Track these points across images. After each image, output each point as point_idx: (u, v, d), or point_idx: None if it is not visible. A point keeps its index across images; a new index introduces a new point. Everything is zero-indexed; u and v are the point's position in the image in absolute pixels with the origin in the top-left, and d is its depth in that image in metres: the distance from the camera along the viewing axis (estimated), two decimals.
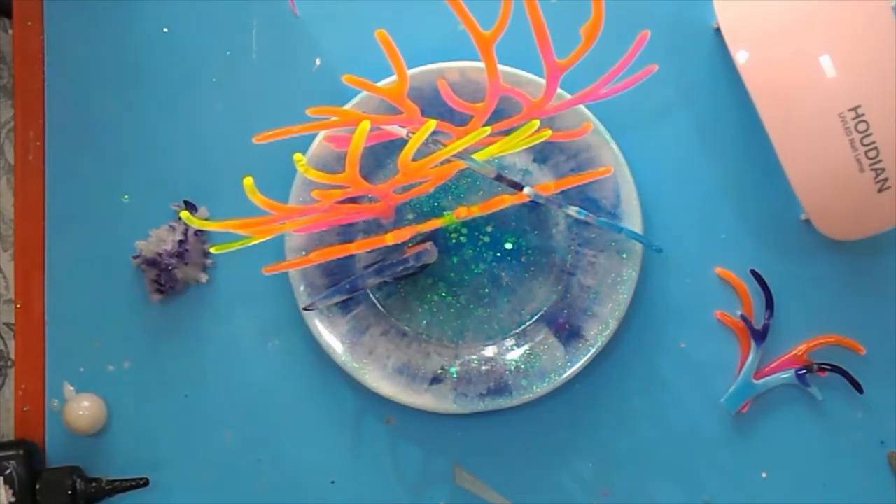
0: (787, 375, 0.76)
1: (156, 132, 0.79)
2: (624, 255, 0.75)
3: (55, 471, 0.77)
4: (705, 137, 0.76)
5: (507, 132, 0.68)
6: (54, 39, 0.79)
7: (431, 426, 0.78)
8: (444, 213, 0.73)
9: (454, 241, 0.76)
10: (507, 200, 0.73)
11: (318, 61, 0.78)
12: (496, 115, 0.69)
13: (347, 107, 0.74)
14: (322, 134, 0.73)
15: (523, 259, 0.76)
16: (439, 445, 0.79)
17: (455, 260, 0.76)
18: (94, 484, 0.77)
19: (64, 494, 0.75)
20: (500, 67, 0.65)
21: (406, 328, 0.77)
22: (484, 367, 0.76)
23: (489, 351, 0.77)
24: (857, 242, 0.75)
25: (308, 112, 0.67)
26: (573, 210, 0.71)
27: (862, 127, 0.66)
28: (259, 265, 0.72)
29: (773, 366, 0.77)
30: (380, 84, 0.68)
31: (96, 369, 0.79)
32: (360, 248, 0.72)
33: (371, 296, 0.77)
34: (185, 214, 0.66)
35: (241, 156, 0.76)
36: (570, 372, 0.75)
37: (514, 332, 0.77)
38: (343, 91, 0.70)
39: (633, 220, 0.74)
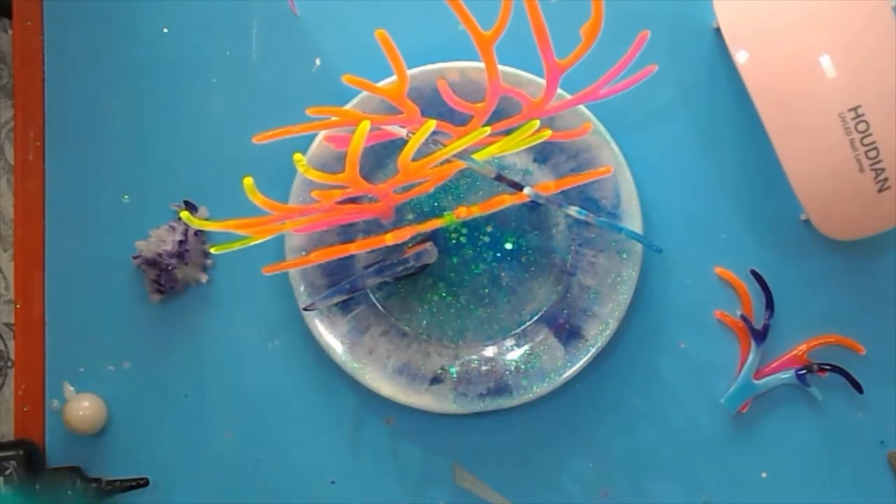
0: (787, 375, 0.76)
1: (156, 132, 0.79)
2: (624, 255, 0.75)
3: (55, 471, 0.77)
4: (705, 137, 0.76)
5: (507, 132, 0.68)
6: (54, 39, 0.79)
7: (431, 426, 0.78)
8: (444, 213, 0.73)
9: (454, 241, 0.76)
10: (507, 200, 0.73)
11: (318, 61, 0.78)
12: (496, 116, 0.69)
13: (347, 107, 0.74)
14: (322, 134, 0.73)
15: (523, 259, 0.76)
16: (439, 445, 0.79)
17: (455, 260, 0.76)
18: (94, 484, 0.77)
19: (64, 495, 0.75)
20: (501, 67, 0.65)
21: (406, 328, 0.77)
22: (484, 368, 0.76)
23: (489, 351, 0.77)
24: (857, 242, 0.75)
25: (308, 112, 0.67)
26: (573, 210, 0.71)
27: (862, 127, 0.66)
28: (259, 265, 0.72)
29: (773, 366, 0.77)
30: (380, 84, 0.68)
31: (96, 369, 0.79)
32: (360, 248, 0.72)
33: (371, 296, 0.77)
34: (185, 214, 0.66)
35: (241, 156, 0.77)
36: (570, 372, 0.75)
37: (514, 332, 0.77)
38: (343, 91, 0.70)
39: (633, 221, 0.74)
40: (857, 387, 0.76)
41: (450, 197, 0.76)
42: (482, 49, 0.63)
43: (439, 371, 0.76)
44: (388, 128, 0.68)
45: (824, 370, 0.76)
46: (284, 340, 0.79)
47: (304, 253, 0.74)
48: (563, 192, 0.74)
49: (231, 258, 0.73)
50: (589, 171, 0.74)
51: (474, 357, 0.77)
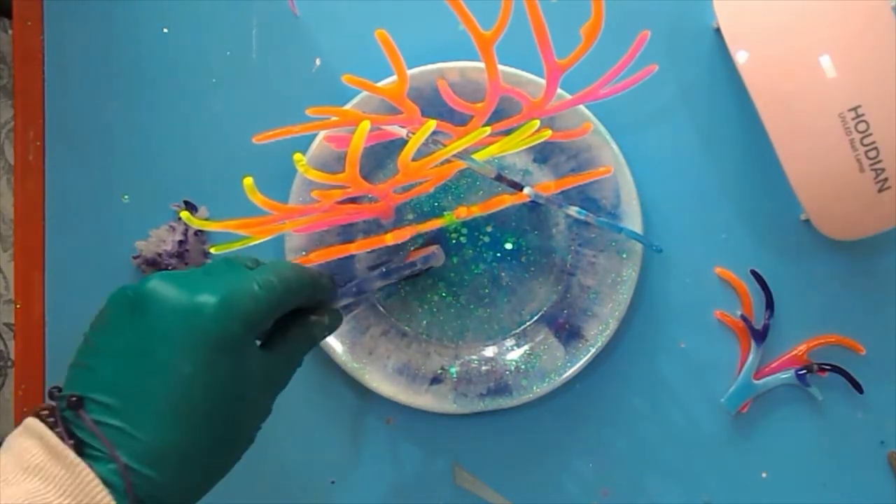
0: (787, 375, 0.76)
1: (156, 132, 0.79)
2: (624, 255, 0.75)
3: None
4: (705, 137, 0.76)
5: (508, 132, 0.68)
6: (54, 39, 0.79)
7: (431, 426, 0.78)
8: (444, 213, 0.73)
9: (454, 241, 0.76)
10: (507, 200, 0.73)
11: (318, 61, 0.78)
12: (496, 116, 0.69)
13: (347, 107, 0.74)
14: (322, 134, 0.73)
15: (523, 259, 0.76)
16: (439, 445, 0.79)
17: (455, 260, 0.76)
18: None
19: None
20: (501, 67, 0.65)
21: (406, 328, 0.77)
22: (484, 368, 0.76)
23: (489, 351, 0.77)
24: (857, 242, 0.75)
25: (308, 112, 0.67)
26: (573, 210, 0.71)
27: (862, 127, 0.66)
28: None
29: (773, 366, 0.77)
30: (380, 84, 0.68)
31: None
32: (360, 248, 0.72)
33: (371, 296, 0.77)
34: (185, 215, 0.66)
35: (241, 156, 0.77)
36: (570, 372, 0.75)
37: (514, 332, 0.77)
38: (343, 91, 0.70)
39: (633, 221, 0.74)
40: (857, 387, 0.76)
41: (450, 197, 0.76)
42: (482, 49, 0.63)
43: (439, 371, 0.76)
44: (388, 128, 0.68)
45: (824, 370, 0.76)
46: None
47: (304, 253, 0.74)
48: (563, 192, 0.74)
49: None
50: (589, 171, 0.74)
51: (474, 357, 0.77)
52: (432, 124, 0.63)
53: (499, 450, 0.78)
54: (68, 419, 0.51)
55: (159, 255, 0.77)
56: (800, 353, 0.76)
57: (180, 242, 0.77)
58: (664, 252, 0.76)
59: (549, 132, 0.67)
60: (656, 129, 0.77)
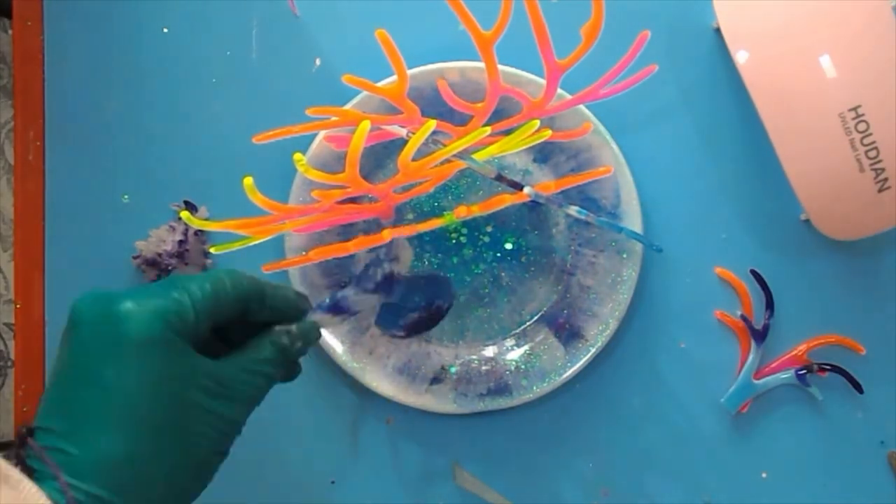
0: (787, 375, 0.76)
1: (156, 132, 0.79)
2: (624, 255, 0.75)
3: None
4: (705, 137, 0.76)
5: (508, 132, 0.68)
6: (54, 39, 0.79)
7: (431, 426, 0.78)
8: (444, 212, 0.73)
9: (454, 241, 0.76)
10: (508, 200, 0.73)
11: (318, 61, 0.78)
12: (496, 115, 0.69)
13: (347, 107, 0.74)
14: (322, 134, 0.73)
15: (523, 259, 0.76)
16: (439, 445, 0.79)
17: (455, 260, 0.76)
18: None
19: None
20: (501, 67, 0.65)
21: None
22: (484, 367, 0.76)
23: (489, 351, 0.77)
24: (857, 242, 0.75)
25: (308, 112, 0.67)
26: (574, 210, 0.71)
27: (862, 127, 0.66)
28: (259, 265, 0.72)
29: (773, 366, 0.77)
30: (380, 84, 0.68)
31: None
32: (358, 246, 0.72)
33: None
34: (185, 214, 0.66)
35: (241, 156, 0.77)
36: (570, 372, 0.75)
37: (514, 332, 0.77)
38: (343, 91, 0.70)
39: (633, 220, 0.74)
40: (857, 387, 0.76)
41: (450, 197, 0.76)
42: (482, 49, 0.63)
43: (439, 371, 0.76)
44: (389, 128, 0.68)
45: (824, 370, 0.76)
46: None
47: (303, 252, 0.74)
48: (563, 191, 0.74)
49: (231, 258, 0.73)
50: (589, 171, 0.74)
51: (474, 357, 0.77)
52: (432, 124, 0.63)
53: (499, 450, 0.78)
54: (22, 452, 0.51)
55: (159, 255, 0.77)
56: (800, 353, 0.76)
57: (180, 242, 0.77)
58: (664, 252, 0.76)
59: (549, 132, 0.67)
60: (656, 129, 0.77)
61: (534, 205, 0.75)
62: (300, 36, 0.78)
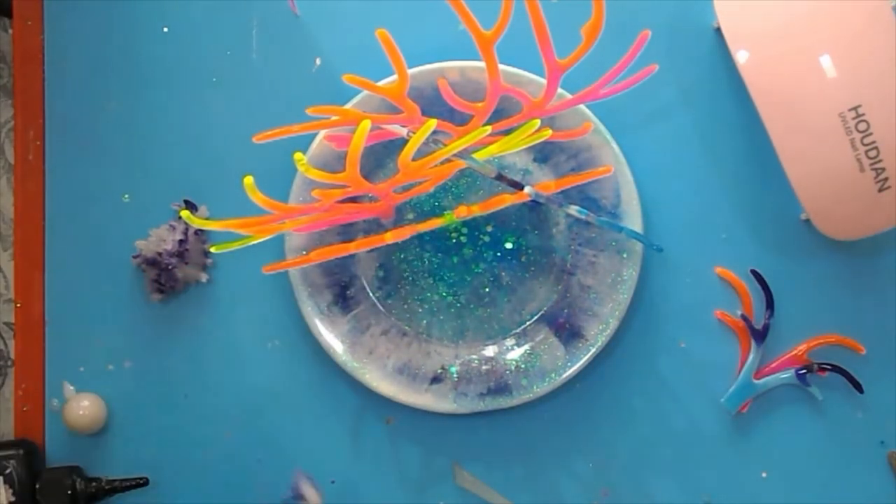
0: (787, 375, 0.76)
1: (156, 132, 0.79)
2: (624, 255, 0.75)
3: (55, 470, 0.77)
4: (705, 137, 0.76)
5: (508, 132, 0.68)
6: (54, 39, 0.79)
7: (431, 426, 0.78)
8: (445, 212, 0.73)
9: (454, 240, 0.76)
10: (508, 200, 0.73)
11: (318, 61, 0.78)
12: (496, 115, 0.69)
13: (348, 106, 0.74)
14: (322, 133, 0.73)
15: (523, 259, 0.76)
16: (439, 445, 0.79)
17: (455, 260, 0.76)
18: (93, 483, 0.77)
19: (64, 494, 0.75)
20: (501, 67, 0.65)
21: (406, 328, 0.77)
22: (484, 367, 0.76)
23: (489, 350, 0.77)
24: (857, 242, 0.75)
25: (308, 112, 0.67)
26: (574, 209, 0.71)
27: (862, 127, 0.66)
28: (259, 265, 0.72)
29: (773, 366, 0.77)
30: (380, 83, 0.68)
31: (96, 369, 0.79)
32: (359, 247, 0.72)
33: (371, 295, 0.77)
34: (185, 214, 0.66)
35: (241, 155, 0.77)
36: (570, 372, 0.75)
37: (514, 331, 0.77)
38: (343, 91, 0.70)
39: (633, 220, 0.74)
40: (858, 387, 0.76)
41: (450, 196, 0.76)
42: (483, 48, 0.63)
43: (439, 370, 0.76)
44: (389, 127, 0.68)
45: (824, 370, 0.76)
46: (284, 340, 0.79)
47: (304, 252, 0.74)
48: (563, 191, 0.74)
49: (231, 258, 0.73)
50: (589, 171, 0.74)
51: (474, 356, 0.77)
52: (433, 124, 0.63)
53: (499, 450, 0.78)
54: None
55: (159, 254, 0.76)
56: (800, 353, 0.76)
57: (181, 242, 0.77)
58: (664, 252, 0.76)
59: (550, 132, 0.67)
60: (656, 129, 0.77)
61: (534, 204, 0.75)
62: (300, 36, 0.78)
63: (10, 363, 0.80)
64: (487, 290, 0.77)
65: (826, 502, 0.77)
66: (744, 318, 0.76)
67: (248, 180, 0.63)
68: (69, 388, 0.79)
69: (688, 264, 0.77)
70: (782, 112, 0.67)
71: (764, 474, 0.77)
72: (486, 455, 0.78)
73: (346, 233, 0.76)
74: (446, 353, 0.77)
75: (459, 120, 0.70)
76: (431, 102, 0.71)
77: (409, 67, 0.64)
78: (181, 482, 0.79)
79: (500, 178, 0.69)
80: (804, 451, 0.77)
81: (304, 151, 0.74)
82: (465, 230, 0.76)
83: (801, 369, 0.76)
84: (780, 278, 0.76)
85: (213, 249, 0.68)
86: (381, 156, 0.75)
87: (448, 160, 0.67)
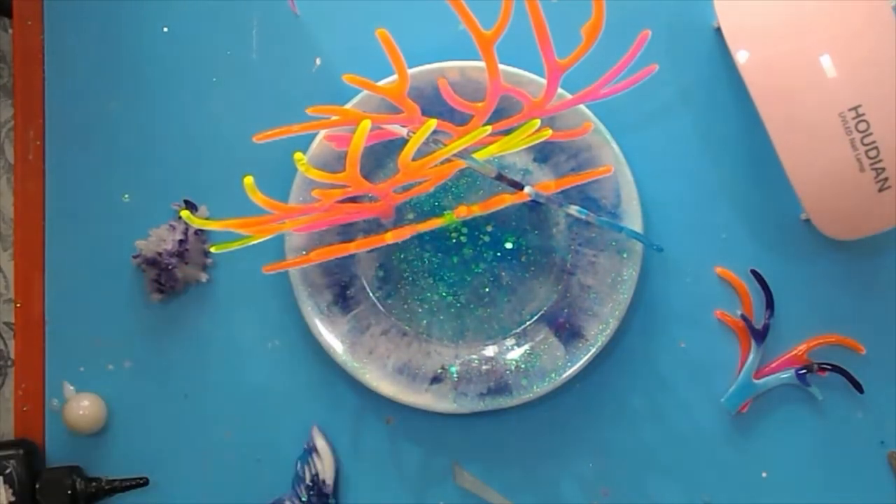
0: (787, 375, 0.76)
1: (156, 132, 0.79)
2: (624, 255, 0.75)
3: (55, 470, 0.77)
4: (705, 137, 0.76)
5: (508, 132, 0.68)
6: (54, 39, 0.80)
7: (431, 426, 0.78)
8: (445, 212, 0.73)
9: (454, 240, 0.76)
10: (508, 200, 0.73)
11: (318, 61, 0.79)
12: (497, 115, 0.69)
13: (348, 106, 0.74)
14: (322, 133, 0.73)
15: (523, 259, 0.76)
16: (439, 445, 0.79)
17: (455, 260, 0.76)
18: (93, 484, 0.77)
19: (64, 494, 0.75)
20: (501, 67, 0.65)
21: (406, 328, 0.77)
22: (484, 367, 0.76)
23: (489, 350, 0.77)
24: (857, 242, 0.75)
25: (308, 111, 0.67)
26: (574, 209, 0.71)
27: (862, 126, 0.66)
28: (259, 265, 0.72)
29: (773, 366, 0.77)
30: (380, 83, 0.68)
31: (96, 369, 0.79)
32: (359, 247, 0.72)
33: (371, 295, 0.77)
34: (185, 214, 0.66)
35: (241, 155, 0.77)
36: (570, 372, 0.75)
37: (514, 331, 0.77)
38: (343, 91, 0.70)
39: (633, 220, 0.74)
40: (858, 387, 0.76)
41: (450, 196, 0.76)
42: (483, 48, 0.63)
43: (439, 370, 0.76)
44: (389, 127, 0.68)
45: (824, 370, 0.76)
46: (284, 340, 0.79)
47: (304, 252, 0.74)
48: (563, 191, 0.74)
49: (231, 257, 0.73)
50: (589, 171, 0.74)
51: (474, 356, 0.77)
52: (433, 123, 0.63)
53: (499, 450, 0.78)
54: None
55: (159, 254, 0.76)
56: (800, 353, 0.76)
57: (181, 241, 0.77)
58: (664, 252, 0.76)
59: (550, 131, 0.67)
60: (656, 129, 0.77)
61: (534, 204, 0.75)
62: (300, 36, 0.78)
63: (10, 363, 0.80)
64: (487, 290, 0.77)
65: (826, 502, 0.77)
66: (744, 318, 0.76)
67: (248, 180, 0.63)
68: (69, 388, 0.79)
69: (688, 264, 0.77)
70: (782, 112, 0.67)
71: (764, 474, 0.77)
72: (486, 455, 0.78)
73: (346, 233, 0.76)
74: (446, 353, 0.77)
75: (459, 120, 0.70)
76: (431, 102, 0.71)
77: (409, 67, 0.64)
78: (181, 482, 0.79)
79: (500, 178, 0.69)
80: (804, 451, 0.77)
81: (304, 151, 0.74)
82: (465, 230, 0.76)
83: (801, 369, 0.76)
84: (780, 278, 0.76)
85: (213, 249, 0.68)
86: (381, 156, 0.75)
87: (448, 160, 0.67)
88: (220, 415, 0.79)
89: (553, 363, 0.75)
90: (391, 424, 0.79)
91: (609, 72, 0.66)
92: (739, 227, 0.77)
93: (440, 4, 0.61)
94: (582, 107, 0.73)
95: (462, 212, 0.72)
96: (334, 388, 0.79)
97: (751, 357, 0.76)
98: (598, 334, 0.75)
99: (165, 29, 0.79)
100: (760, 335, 0.76)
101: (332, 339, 0.76)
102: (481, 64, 0.64)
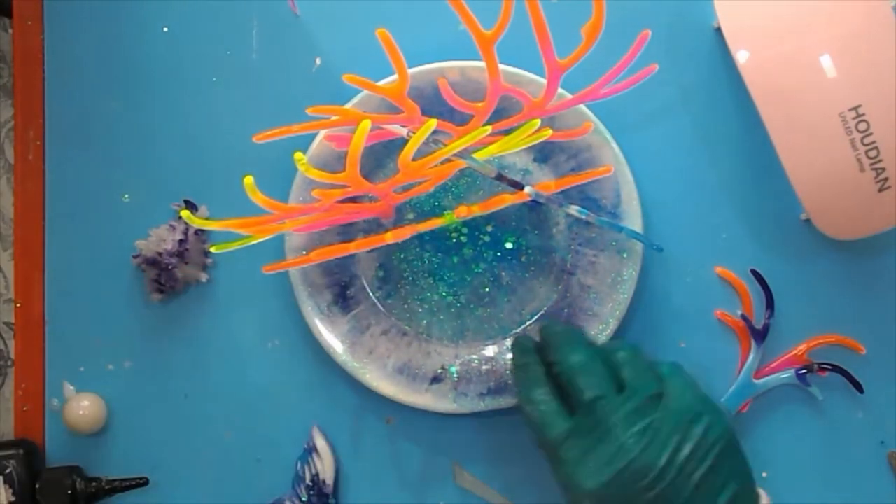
0: (787, 375, 0.76)
1: (156, 132, 0.79)
2: (624, 255, 0.75)
3: (55, 470, 0.77)
4: (705, 137, 0.76)
5: (508, 132, 0.68)
6: (54, 39, 0.79)
7: (431, 426, 0.78)
8: (445, 212, 0.73)
9: (454, 240, 0.76)
10: (508, 200, 0.73)
11: (318, 61, 0.78)
12: (497, 115, 0.69)
13: (348, 106, 0.74)
14: (322, 133, 0.73)
15: (523, 259, 0.76)
16: (439, 445, 0.79)
17: (455, 260, 0.76)
18: (93, 484, 0.77)
19: (64, 494, 0.75)
20: (501, 67, 0.65)
21: (406, 328, 0.77)
22: (484, 367, 0.76)
23: (490, 350, 0.77)
24: (857, 242, 0.75)
25: (308, 111, 0.67)
26: (574, 209, 0.72)
27: (862, 126, 0.66)
28: (259, 265, 0.72)
29: (773, 366, 0.77)
30: (380, 83, 0.68)
31: (96, 369, 0.79)
32: (359, 247, 0.72)
33: (371, 295, 0.77)
34: (185, 214, 0.66)
35: (241, 155, 0.77)
36: None
37: (514, 331, 0.77)
38: (343, 91, 0.70)
39: (633, 220, 0.74)
40: (858, 387, 0.76)
41: (450, 196, 0.76)
42: (483, 48, 0.63)
43: (439, 370, 0.76)
44: (389, 127, 0.68)
45: (824, 370, 0.76)
46: (284, 340, 0.79)
47: (304, 252, 0.74)
48: (563, 191, 0.74)
49: (231, 257, 0.73)
50: (589, 171, 0.74)
51: (475, 356, 0.77)
52: (433, 123, 0.63)
53: (499, 450, 0.78)
54: None
55: (159, 254, 0.76)
56: (800, 353, 0.76)
57: (181, 241, 0.77)
58: (664, 252, 0.76)
59: (550, 131, 0.67)
60: (656, 129, 0.77)
61: (534, 204, 0.75)
62: (300, 36, 0.78)
63: (10, 363, 0.80)
64: (487, 289, 0.77)
65: (826, 502, 0.77)
66: (744, 318, 0.76)
67: (248, 180, 0.63)
68: (69, 388, 0.79)
69: (688, 264, 0.77)
70: (782, 112, 0.67)
71: (764, 474, 0.77)
72: (486, 455, 0.78)
73: (346, 233, 0.76)
74: (446, 353, 0.77)
75: (459, 120, 0.70)
76: (431, 102, 0.71)
77: (410, 67, 0.64)
78: (181, 482, 0.79)
79: (500, 178, 0.69)
80: (804, 451, 0.77)
81: (304, 151, 0.74)
82: (465, 230, 0.76)
83: (801, 369, 0.76)
84: (780, 278, 0.76)
85: (213, 249, 0.68)
86: (381, 156, 0.75)
87: (448, 160, 0.67)
88: (220, 415, 0.79)
89: None
90: (391, 424, 0.79)
91: (609, 72, 0.66)
92: (739, 227, 0.77)
93: (440, 4, 0.61)
94: (582, 107, 0.73)
95: (462, 212, 0.72)
96: (334, 388, 0.79)
97: (751, 357, 0.76)
98: (598, 334, 0.75)
99: (165, 29, 0.79)
100: (760, 335, 0.76)
101: (332, 339, 0.76)
102: (481, 64, 0.64)
